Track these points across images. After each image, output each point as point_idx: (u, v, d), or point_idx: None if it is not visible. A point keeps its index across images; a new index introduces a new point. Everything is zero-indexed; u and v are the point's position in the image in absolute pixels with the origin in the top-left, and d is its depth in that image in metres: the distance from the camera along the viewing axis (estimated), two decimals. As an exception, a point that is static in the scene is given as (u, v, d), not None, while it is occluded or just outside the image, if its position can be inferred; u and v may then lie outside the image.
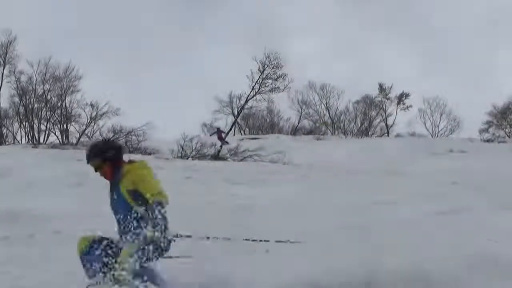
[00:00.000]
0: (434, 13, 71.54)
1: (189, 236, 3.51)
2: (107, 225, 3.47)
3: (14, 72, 27.34)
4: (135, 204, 3.28)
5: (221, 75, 60.93)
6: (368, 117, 40.78)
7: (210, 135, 27.94)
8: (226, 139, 25.21)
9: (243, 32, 72.99)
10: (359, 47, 71.24)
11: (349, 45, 70.08)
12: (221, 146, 21.28)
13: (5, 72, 26.95)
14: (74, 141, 25.22)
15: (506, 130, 44.86)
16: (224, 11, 67.48)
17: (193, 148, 18.58)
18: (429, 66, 65.53)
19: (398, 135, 40.16)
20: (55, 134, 28.40)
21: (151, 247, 3.19)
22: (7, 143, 27.35)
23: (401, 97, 40.20)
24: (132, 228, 3.23)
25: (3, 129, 28.52)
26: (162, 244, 3.27)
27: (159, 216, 3.08)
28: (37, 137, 27.77)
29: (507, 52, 66.69)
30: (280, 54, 26.50)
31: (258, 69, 27.95)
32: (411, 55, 69.18)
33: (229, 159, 18.70)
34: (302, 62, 53.17)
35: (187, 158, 17.68)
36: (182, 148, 18.37)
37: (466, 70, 69.18)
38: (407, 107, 40.80)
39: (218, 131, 27.47)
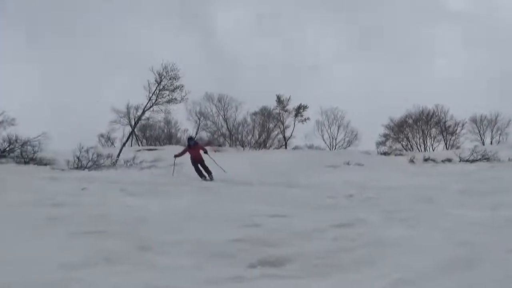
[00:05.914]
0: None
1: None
2: None
3: None
4: None
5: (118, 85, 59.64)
6: (266, 129, 41.26)
7: (177, 156, 16.08)
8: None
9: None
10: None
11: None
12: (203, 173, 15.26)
13: None
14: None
15: (403, 143, 47.78)
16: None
17: (90, 158, 18.81)
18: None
19: (296, 147, 41.24)
20: None
21: None
22: None
23: (299, 109, 41.23)
24: None
25: None
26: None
27: None
28: None
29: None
30: (177, 65, 26.33)
31: (155, 80, 27.47)
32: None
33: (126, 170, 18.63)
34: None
35: (83, 169, 17.66)
36: (78, 158, 18.58)
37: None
38: (305, 119, 41.98)
39: (192, 144, 15.92)
